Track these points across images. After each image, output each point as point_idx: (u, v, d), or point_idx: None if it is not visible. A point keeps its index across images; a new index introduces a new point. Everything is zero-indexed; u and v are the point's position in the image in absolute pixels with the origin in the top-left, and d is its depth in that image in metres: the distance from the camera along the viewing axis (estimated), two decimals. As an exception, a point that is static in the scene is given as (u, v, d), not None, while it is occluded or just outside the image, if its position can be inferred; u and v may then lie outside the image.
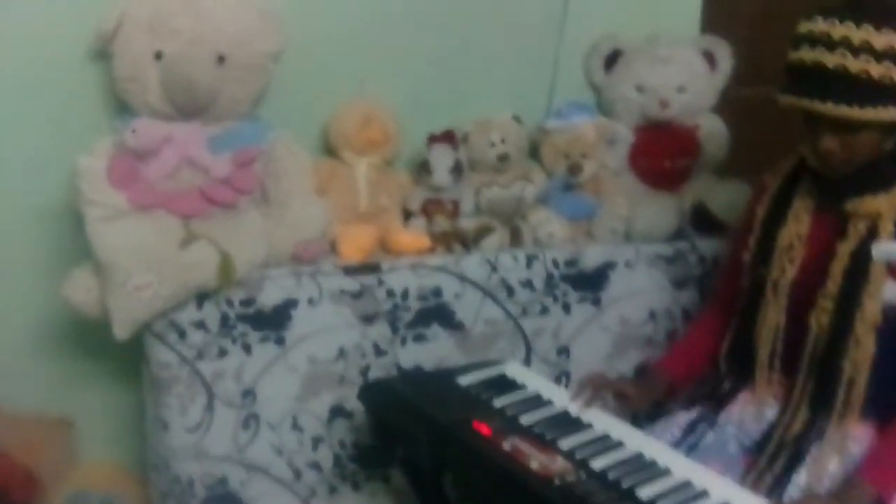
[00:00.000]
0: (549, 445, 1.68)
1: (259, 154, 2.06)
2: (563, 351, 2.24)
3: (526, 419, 1.78)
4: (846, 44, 1.54)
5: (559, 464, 1.61)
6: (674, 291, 2.27)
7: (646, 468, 1.63)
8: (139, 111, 2.02)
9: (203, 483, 2.09)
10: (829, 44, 1.55)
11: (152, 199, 1.98)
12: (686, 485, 1.58)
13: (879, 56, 1.53)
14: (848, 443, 1.68)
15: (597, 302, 2.23)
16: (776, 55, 2.42)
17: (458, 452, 1.67)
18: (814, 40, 1.58)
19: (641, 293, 2.25)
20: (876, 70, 1.53)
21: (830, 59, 1.55)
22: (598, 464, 1.63)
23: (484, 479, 1.62)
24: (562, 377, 2.24)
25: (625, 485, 1.57)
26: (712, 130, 2.34)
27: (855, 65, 1.54)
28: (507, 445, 1.65)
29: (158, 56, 1.98)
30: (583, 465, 1.62)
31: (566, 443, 1.70)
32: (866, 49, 1.53)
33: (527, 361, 2.20)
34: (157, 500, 2.17)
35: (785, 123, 2.50)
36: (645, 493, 1.55)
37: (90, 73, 2.09)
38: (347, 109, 2.20)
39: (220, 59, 1.99)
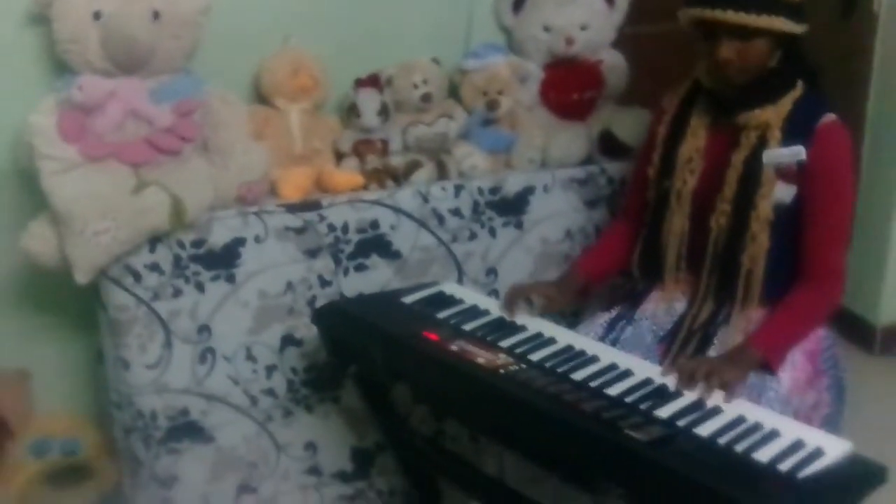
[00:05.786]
0: (491, 345, 1.89)
1: (198, 106, 2.18)
2: (492, 272, 2.44)
3: (468, 326, 1.98)
4: None
5: (502, 359, 1.82)
6: (587, 211, 2.48)
7: (576, 357, 1.85)
8: (80, 70, 2.11)
9: (166, 415, 2.22)
10: None
11: (102, 151, 2.09)
12: (612, 367, 1.81)
13: None
14: (750, 325, 1.93)
15: (519, 225, 2.43)
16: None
17: (412, 359, 1.86)
18: None
19: (558, 214, 2.45)
20: None
21: None
22: (535, 357, 1.85)
23: (437, 379, 1.82)
24: (491, 295, 2.41)
25: (560, 370, 1.79)
26: (613, 64, 2.55)
27: None
28: (454, 347, 1.85)
29: (97, 16, 2.07)
30: (522, 358, 1.84)
31: (505, 342, 1.91)
32: None
33: (459, 283, 2.38)
34: (121, 438, 2.29)
35: (673, 57, 2.76)
36: (578, 375, 1.78)
37: (26, 37, 2.17)
38: (276, 60, 2.34)
39: (156, 16, 2.11)
